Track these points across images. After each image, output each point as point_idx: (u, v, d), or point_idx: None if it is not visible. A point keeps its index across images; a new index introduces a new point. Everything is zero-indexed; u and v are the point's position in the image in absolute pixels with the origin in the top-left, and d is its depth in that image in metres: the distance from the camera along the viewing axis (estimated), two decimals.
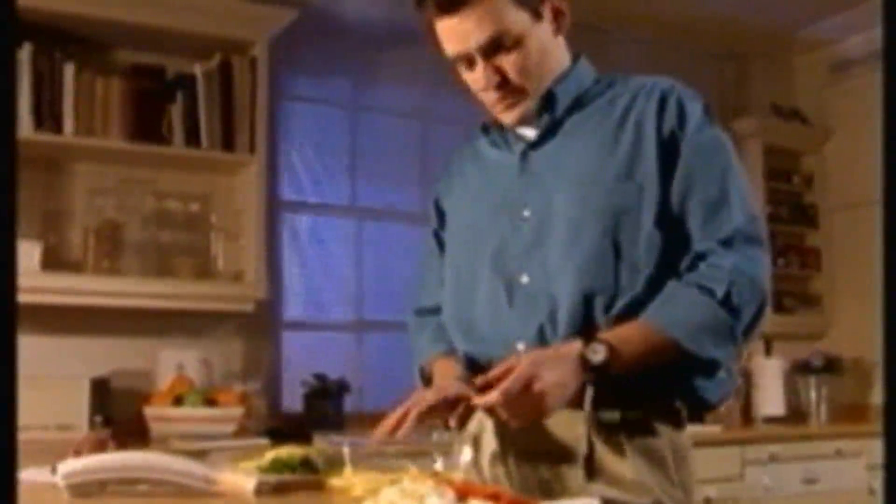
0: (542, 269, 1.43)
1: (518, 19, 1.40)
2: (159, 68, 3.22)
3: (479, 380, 1.35)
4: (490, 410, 1.33)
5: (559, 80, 1.49)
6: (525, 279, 1.45)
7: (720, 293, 1.35)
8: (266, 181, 3.31)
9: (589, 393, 1.36)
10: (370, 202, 3.73)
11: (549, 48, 1.47)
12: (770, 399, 4.06)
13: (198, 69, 3.19)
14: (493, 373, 1.32)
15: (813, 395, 4.18)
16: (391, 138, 3.79)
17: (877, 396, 4.16)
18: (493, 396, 1.28)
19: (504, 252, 1.48)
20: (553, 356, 1.33)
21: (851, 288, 4.32)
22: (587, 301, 1.39)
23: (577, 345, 1.34)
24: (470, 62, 1.44)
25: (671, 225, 1.40)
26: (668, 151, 1.41)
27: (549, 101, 1.48)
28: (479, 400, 1.31)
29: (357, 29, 3.72)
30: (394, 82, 3.80)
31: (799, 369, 4.22)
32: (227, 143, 3.20)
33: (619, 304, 1.39)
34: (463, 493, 1.08)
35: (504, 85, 1.44)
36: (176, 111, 3.15)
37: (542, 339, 1.42)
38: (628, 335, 1.35)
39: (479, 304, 1.50)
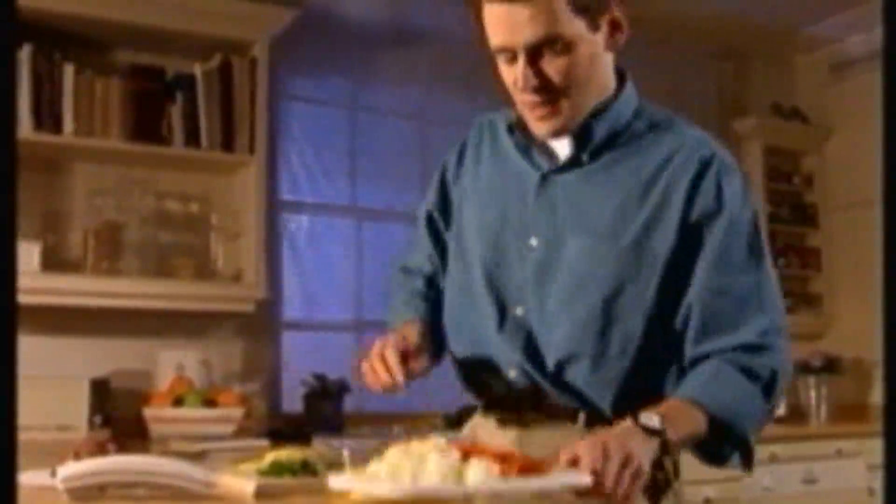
0: (538, 310, 1.41)
1: (573, 26, 1.30)
2: (159, 68, 3.22)
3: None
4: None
5: (600, 110, 1.40)
6: (519, 311, 1.43)
7: (763, 384, 1.36)
8: (265, 181, 3.31)
9: (581, 417, 1.39)
10: (370, 202, 3.73)
11: (598, 64, 1.38)
12: None
13: (198, 69, 3.19)
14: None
15: (813, 395, 4.18)
16: (391, 139, 3.78)
17: (877, 396, 4.15)
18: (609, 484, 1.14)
19: (503, 275, 1.45)
20: (615, 434, 1.23)
21: (851, 288, 4.32)
22: (572, 359, 1.38)
23: (629, 421, 1.26)
24: (513, 56, 1.34)
25: (679, 297, 1.37)
26: (693, 231, 1.36)
27: (583, 135, 1.40)
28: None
29: (357, 29, 3.72)
30: (393, 83, 3.80)
31: (799, 369, 4.21)
32: (227, 144, 3.20)
33: (604, 369, 1.38)
34: (468, 453, 1.06)
35: (542, 90, 1.34)
36: (176, 111, 3.15)
37: (525, 375, 1.42)
38: (676, 407, 1.30)
39: (480, 319, 1.48)
